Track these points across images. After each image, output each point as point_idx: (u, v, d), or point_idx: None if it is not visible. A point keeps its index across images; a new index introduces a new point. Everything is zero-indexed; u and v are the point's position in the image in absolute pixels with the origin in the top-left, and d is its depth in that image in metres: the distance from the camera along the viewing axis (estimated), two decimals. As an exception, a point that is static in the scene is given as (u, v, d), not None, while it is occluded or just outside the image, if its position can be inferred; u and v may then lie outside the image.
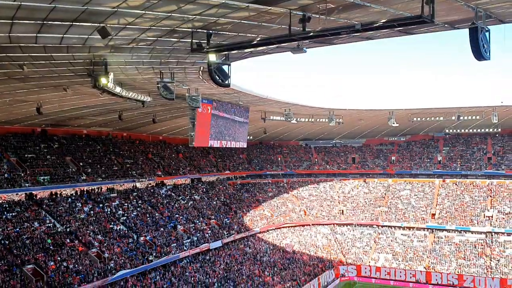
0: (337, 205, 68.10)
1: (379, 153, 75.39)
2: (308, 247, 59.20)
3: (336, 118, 54.18)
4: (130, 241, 40.93)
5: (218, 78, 21.38)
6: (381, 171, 71.46)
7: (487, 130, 65.10)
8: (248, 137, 57.45)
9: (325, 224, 65.13)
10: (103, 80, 24.55)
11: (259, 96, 41.90)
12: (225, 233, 51.15)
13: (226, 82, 21.71)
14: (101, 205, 44.41)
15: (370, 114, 57.18)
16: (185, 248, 44.17)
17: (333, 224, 65.16)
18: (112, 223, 42.48)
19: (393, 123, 54.91)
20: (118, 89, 27.60)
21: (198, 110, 37.19)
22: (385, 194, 68.04)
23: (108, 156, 49.35)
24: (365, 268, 54.97)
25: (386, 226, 62.33)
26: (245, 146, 50.81)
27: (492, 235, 55.96)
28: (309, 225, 64.62)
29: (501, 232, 55.73)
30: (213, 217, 53.76)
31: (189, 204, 54.17)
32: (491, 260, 52.58)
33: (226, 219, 54.70)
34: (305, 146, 79.83)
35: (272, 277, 46.93)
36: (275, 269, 49.45)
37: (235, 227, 54.01)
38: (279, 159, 75.62)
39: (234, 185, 66.91)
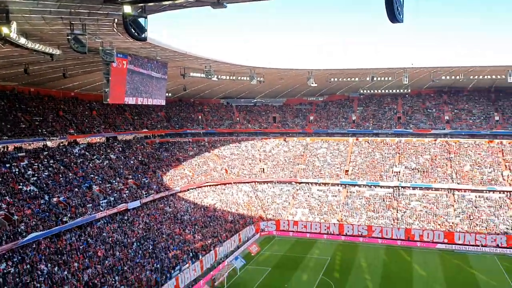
0: (258, 163, 69.33)
1: (299, 113, 77.21)
2: (229, 205, 60.07)
3: (258, 77, 54.16)
4: (42, 202, 38.84)
5: (134, 31, 20.12)
6: (300, 130, 73.49)
7: (398, 91, 68.74)
8: (167, 94, 55.87)
9: (247, 182, 66.27)
10: (4, 30, 22.18)
11: (178, 51, 40.44)
12: (144, 193, 50.24)
13: (143, 36, 20.52)
14: (8, 165, 41.43)
15: (291, 73, 57.84)
16: (101, 208, 42.85)
17: (254, 182, 66.48)
18: (21, 183, 39.94)
19: (312, 83, 56.11)
20: (22, 40, 25.17)
21: (112, 64, 35.15)
22: (303, 152, 70.29)
23: (14, 113, 45.72)
24: (284, 223, 57.11)
25: (303, 182, 64.80)
26: (163, 103, 49.29)
27: (399, 189, 60.32)
28: (230, 183, 65.36)
29: (407, 186, 60.24)
30: (130, 176, 52.39)
31: (105, 163, 52.25)
32: (397, 212, 56.85)
33: (145, 179, 53.65)
34: (226, 104, 79.54)
35: (193, 235, 47.22)
36: (196, 227, 49.75)
37: (154, 186, 53.18)
38: (200, 117, 74.84)
39: (153, 144, 65.40)
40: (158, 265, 37.48)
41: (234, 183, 65.63)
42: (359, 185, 62.30)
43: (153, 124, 66.92)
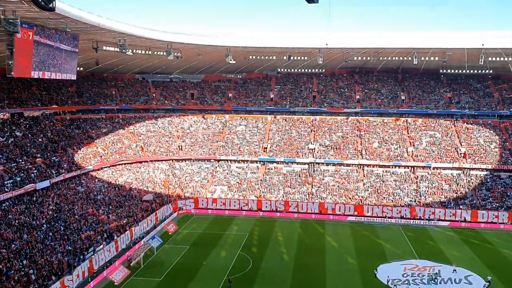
0: (176, 140, 68.17)
1: (217, 90, 76.71)
2: (145, 184, 58.66)
3: (175, 52, 52.80)
4: None
5: (40, 0, 18.48)
6: (219, 107, 73.16)
7: (313, 70, 70.60)
8: (78, 68, 52.74)
9: (164, 160, 64.99)
10: None
11: (90, 23, 37.98)
12: (54, 172, 47.42)
13: (50, 5, 18.95)
14: None
15: (209, 50, 57.04)
16: (6, 189, 39.84)
17: (172, 159, 65.39)
18: None
19: (230, 60, 55.89)
20: None
21: (16, 35, 32.29)
22: (222, 129, 70.21)
23: None
24: (203, 201, 56.99)
25: (223, 160, 64.91)
26: (74, 78, 46.16)
27: (314, 165, 62.56)
28: (146, 161, 63.71)
29: (321, 163, 62.64)
30: (39, 155, 49.08)
31: (10, 141, 48.40)
32: (312, 187, 59.03)
33: (54, 157, 50.58)
34: (142, 80, 76.85)
35: (107, 215, 45.59)
36: (110, 207, 48.06)
37: (65, 165, 50.38)
38: (114, 93, 71.65)
39: (63, 120, 61.60)
40: (70, 247, 35.77)
41: (150, 161, 64.09)
42: (277, 162, 63.70)
43: (63, 99, 62.98)
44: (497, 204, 54.00)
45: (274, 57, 60.78)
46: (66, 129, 59.41)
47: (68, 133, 58.48)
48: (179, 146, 67.11)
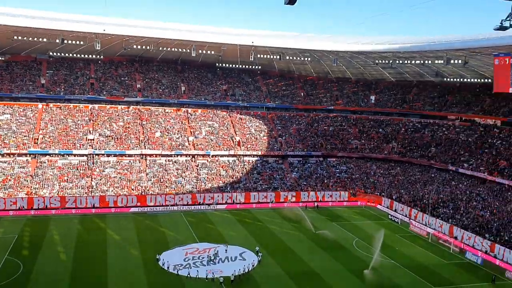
0: None
1: (-27, 73, 65.81)
2: None
3: None
4: None
5: None
6: (-25, 93, 62.92)
7: (90, 56, 66.58)
8: None
9: None
10: None
11: None
12: None
13: None
14: None
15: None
16: None
17: None
18: None
19: (-10, 39, 48.64)
20: None
21: None
22: (-20, 119, 60.61)
23: None
24: (-45, 203, 48.42)
25: (-19, 154, 56.22)
26: None
27: (93, 157, 59.42)
28: None
29: (101, 154, 59.99)
30: None
31: None
32: (92, 180, 56.01)
33: None
34: None
35: None
36: None
37: None
38: None
39: None
40: None
41: None
42: (51, 154, 58.33)
43: None
44: (266, 186, 60.62)
45: (45, 39, 55.21)
46: None
47: None
48: None
